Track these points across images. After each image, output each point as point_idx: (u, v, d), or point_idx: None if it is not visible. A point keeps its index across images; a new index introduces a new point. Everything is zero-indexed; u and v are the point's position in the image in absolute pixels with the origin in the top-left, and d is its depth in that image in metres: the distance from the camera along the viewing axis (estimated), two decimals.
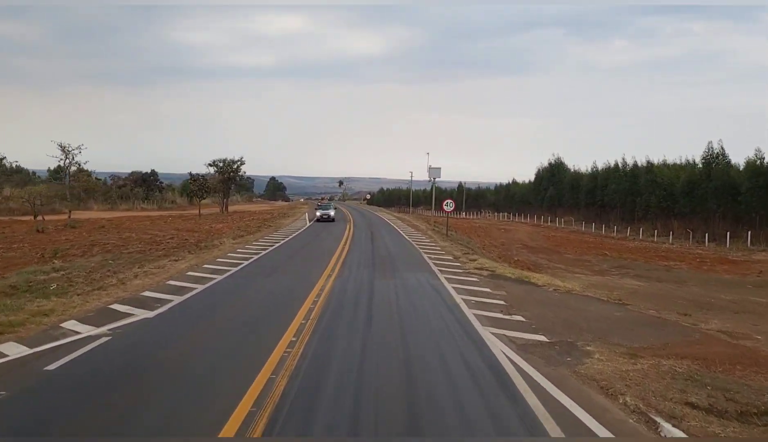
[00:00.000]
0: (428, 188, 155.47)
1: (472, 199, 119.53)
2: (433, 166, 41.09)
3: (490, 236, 53.69)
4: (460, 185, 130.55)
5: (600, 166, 74.29)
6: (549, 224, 75.00)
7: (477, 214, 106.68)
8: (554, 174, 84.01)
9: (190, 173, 55.75)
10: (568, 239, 54.63)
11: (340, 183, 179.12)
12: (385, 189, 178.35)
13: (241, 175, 67.50)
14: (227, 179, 65.39)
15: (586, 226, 65.58)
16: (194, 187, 55.18)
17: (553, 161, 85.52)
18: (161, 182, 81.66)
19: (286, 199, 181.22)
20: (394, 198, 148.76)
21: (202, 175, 55.83)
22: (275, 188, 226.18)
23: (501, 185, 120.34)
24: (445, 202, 37.11)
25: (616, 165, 67.75)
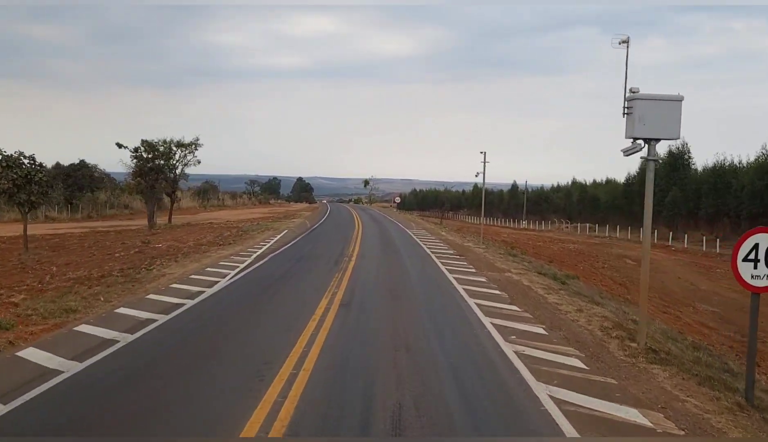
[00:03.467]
0: (467, 190, 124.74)
1: (532, 203, 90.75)
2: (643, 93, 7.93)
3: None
4: (514, 185, 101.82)
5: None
6: (684, 245, 46.42)
7: (540, 223, 78.17)
8: (676, 168, 55.16)
9: None
10: None
11: (366, 183, 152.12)
12: (418, 190, 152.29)
13: (174, 167, 39.84)
14: (150, 171, 38.68)
15: None
16: (5, 184, 23.25)
17: (674, 150, 56.39)
18: (96, 177, 55.94)
19: (311, 201, 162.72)
20: (429, 200, 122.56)
21: (22, 158, 23.75)
22: (302, 189, 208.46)
23: (559, 186, 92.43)
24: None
25: None
